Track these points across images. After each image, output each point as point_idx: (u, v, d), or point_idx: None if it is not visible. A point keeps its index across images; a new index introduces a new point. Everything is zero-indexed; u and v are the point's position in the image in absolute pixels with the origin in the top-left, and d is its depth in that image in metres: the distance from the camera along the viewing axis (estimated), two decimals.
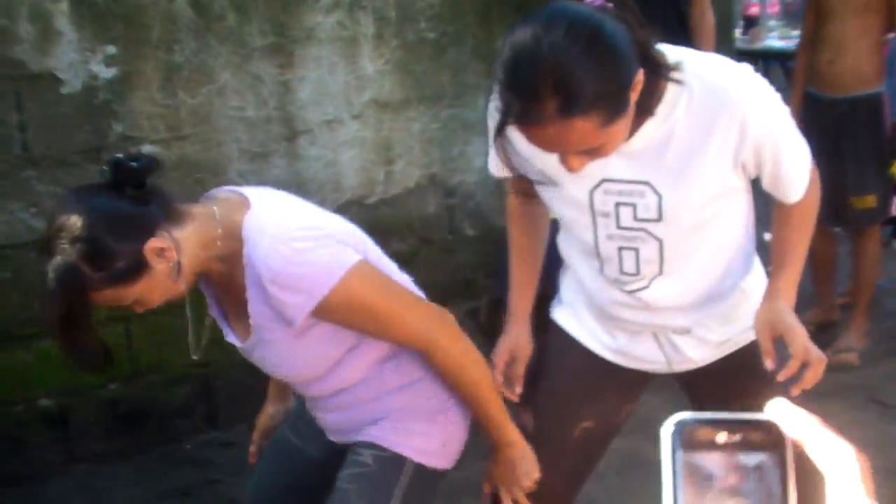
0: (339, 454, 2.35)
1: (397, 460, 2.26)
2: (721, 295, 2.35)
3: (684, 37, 4.67)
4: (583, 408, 2.55)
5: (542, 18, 1.86)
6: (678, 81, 2.06)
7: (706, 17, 4.84)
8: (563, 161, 2.00)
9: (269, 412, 2.73)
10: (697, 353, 2.41)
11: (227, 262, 2.13)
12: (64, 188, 3.97)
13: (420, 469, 2.28)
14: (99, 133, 4.11)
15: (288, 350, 2.18)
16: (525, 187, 2.42)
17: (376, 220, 4.63)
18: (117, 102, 4.11)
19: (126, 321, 4.29)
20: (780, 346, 2.16)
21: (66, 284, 1.96)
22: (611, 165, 2.14)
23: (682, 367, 2.46)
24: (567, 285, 2.56)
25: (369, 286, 2.11)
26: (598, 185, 2.20)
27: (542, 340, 2.60)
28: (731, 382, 2.37)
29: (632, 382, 2.55)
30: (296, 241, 2.05)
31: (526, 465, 2.34)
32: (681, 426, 0.78)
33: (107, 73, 4.07)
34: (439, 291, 2.91)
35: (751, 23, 11.09)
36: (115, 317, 4.24)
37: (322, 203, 4.05)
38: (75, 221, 1.94)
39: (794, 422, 0.76)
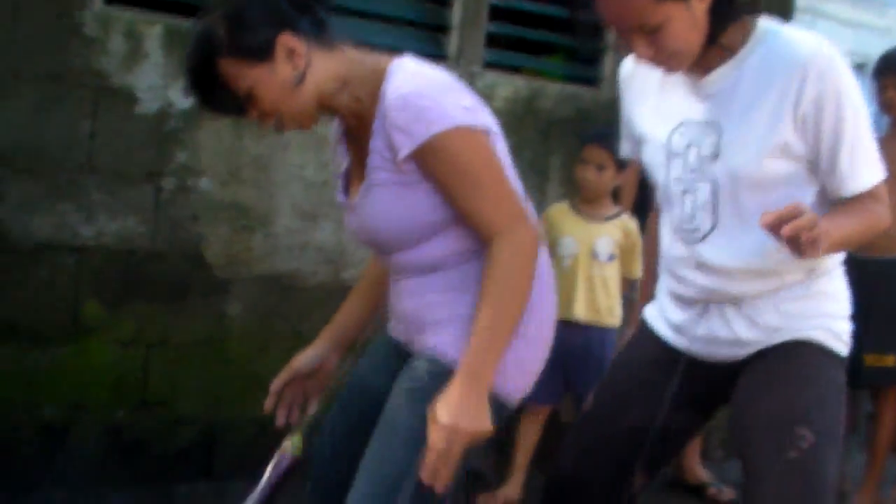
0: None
1: (453, 375, 2.16)
2: (777, 274, 2.36)
3: None
4: (636, 399, 2.63)
5: None
6: (753, 26, 2.30)
7: None
8: (632, 46, 2.24)
9: (308, 353, 2.74)
10: (748, 332, 2.43)
11: (364, 101, 2.26)
12: (118, 203, 4.01)
13: None
14: (162, 158, 4.16)
15: (389, 202, 2.23)
16: None
17: None
18: (185, 132, 4.16)
19: (147, 348, 4.25)
20: None
21: (201, 40, 2.19)
22: (689, 108, 2.37)
23: (724, 352, 2.49)
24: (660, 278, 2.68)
25: (477, 151, 2.17)
26: (676, 127, 2.41)
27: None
28: (768, 384, 2.37)
29: (682, 387, 2.58)
30: (436, 83, 2.20)
31: (483, 409, 2.11)
32: None
33: (183, 102, 4.13)
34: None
35: None
36: (137, 340, 4.22)
37: (360, 278, 4.08)
38: None
39: None
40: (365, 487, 2.18)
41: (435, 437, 2.08)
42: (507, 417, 2.33)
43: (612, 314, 4.48)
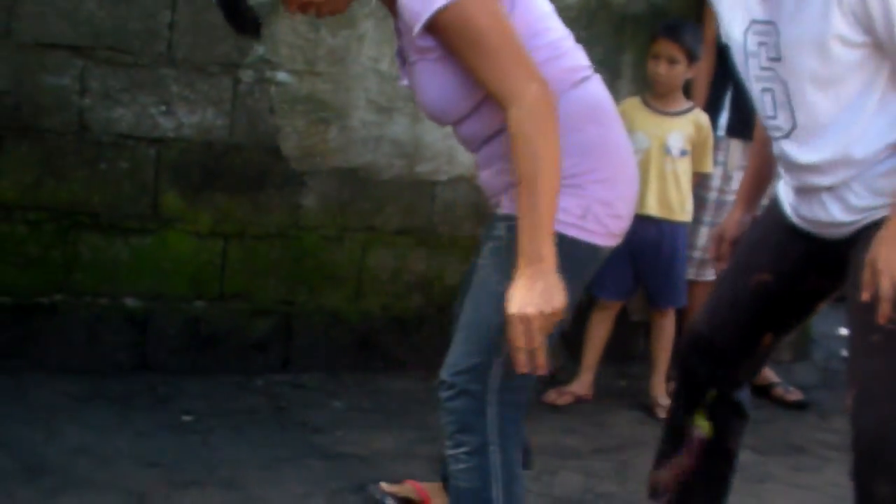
0: None
1: None
2: (863, 161, 2.37)
3: None
4: (764, 259, 2.68)
5: None
6: None
7: None
8: None
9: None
10: (844, 215, 2.45)
11: None
12: (197, 95, 4.05)
13: (563, 240, 2.18)
14: (240, 51, 4.21)
15: (426, 79, 2.29)
16: None
17: (483, 202, 4.63)
18: (264, 25, 4.15)
19: (225, 240, 4.31)
20: None
21: None
22: (754, 7, 2.40)
23: (830, 231, 2.51)
24: None
25: (481, 20, 2.14)
26: (749, 27, 2.44)
27: None
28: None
29: (810, 254, 2.61)
30: None
31: (551, 288, 2.09)
32: None
33: None
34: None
35: None
36: (215, 232, 4.29)
37: (435, 172, 4.10)
38: None
39: None
40: (463, 347, 2.26)
41: (513, 333, 2.09)
42: (604, 259, 2.36)
43: (683, 210, 4.49)
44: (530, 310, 2.06)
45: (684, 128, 4.45)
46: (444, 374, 2.26)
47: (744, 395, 2.86)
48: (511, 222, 2.21)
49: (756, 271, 2.67)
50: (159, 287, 4.29)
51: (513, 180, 2.21)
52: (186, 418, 3.87)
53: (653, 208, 4.42)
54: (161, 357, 4.33)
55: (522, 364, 2.11)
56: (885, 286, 2.14)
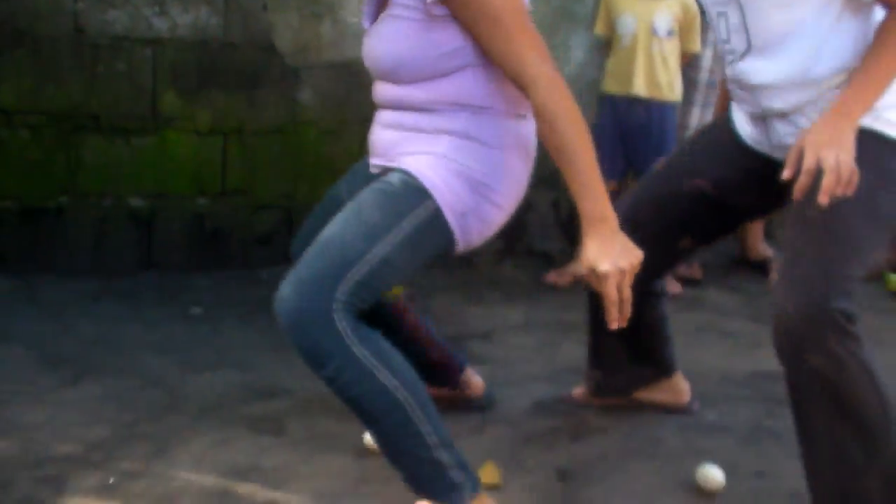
0: None
1: (422, 193, 2.26)
2: (819, 82, 2.37)
3: None
4: (707, 166, 2.69)
5: None
6: None
7: None
8: None
9: None
10: (793, 139, 2.44)
11: None
12: None
13: (438, 216, 2.27)
14: None
15: (401, 34, 2.28)
16: None
17: None
18: None
19: (224, 137, 4.38)
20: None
21: None
22: None
23: (777, 154, 2.52)
24: None
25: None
26: None
27: None
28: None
29: (753, 171, 2.62)
30: None
31: (623, 240, 2.17)
32: None
33: None
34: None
35: None
36: (214, 130, 4.35)
37: None
38: None
39: None
40: (315, 260, 2.21)
41: (605, 287, 2.13)
42: (440, 255, 2.40)
43: (672, 90, 4.54)
44: (623, 263, 2.12)
45: (671, 8, 4.49)
46: (287, 287, 2.20)
47: (656, 283, 2.93)
48: (410, 180, 2.27)
49: (696, 176, 2.70)
50: (162, 186, 4.37)
51: (421, 150, 2.30)
52: (195, 310, 3.97)
53: (641, 89, 4.49)
54: (167, 255, 4.43)
55: (614, 317, 2.15)
56: (808, 161, 2.12)
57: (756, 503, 2.62)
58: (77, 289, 4.11)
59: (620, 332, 2.37)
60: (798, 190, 2.13)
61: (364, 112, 4.49)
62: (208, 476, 2.59)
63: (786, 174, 2.17)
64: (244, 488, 2.54)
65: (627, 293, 2.14)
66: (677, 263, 2.96)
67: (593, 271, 2.14)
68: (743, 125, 2.64)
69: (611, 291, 2.13)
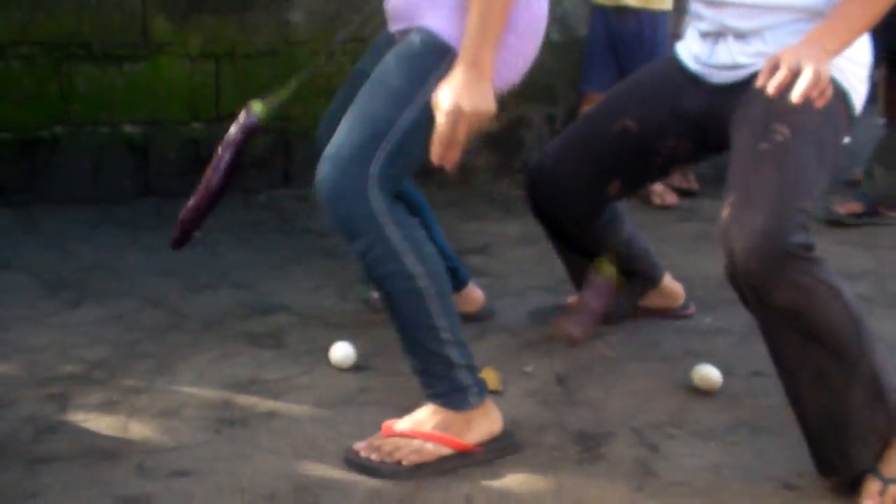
0: None
1: (444, 49, 2.23)
2: (786, 9, 2.37)
3: None
4: (634, 106, 2.69)
5: None
6: None
7: None
8: None
9: None
10: (746, 58, 2.44)
11: None
12: None
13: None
14: None
15: None
16: None
17: None
18: None
19: (216, 61, 4.37)
20: None
21: None
22: None
23: (723, 75, 2.50)
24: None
25: None
26: None
27: None
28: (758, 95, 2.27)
29: (683, 116, 2.61)
30: None
31: (485, 92, 2.18)
32: None
33: None
34: (517, 94, 2.94)
35: None
36: (206, 54, 4.34)
37: None
38: None
39: None
40: (348, 135, 2.23)
41: (441, 122, 2.16)
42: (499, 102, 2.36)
43: None
44: (465, 106, 2.14)
45: None
46: (325, 165, 2.22)
47: (605, 214, 2.93)
48: (429, 38, 2.25)
49: (624, 116, 2.69)
50: (156, 112, 4.36)
51: (436, 3, 2.26)
52: (195, 234, 3.97)
53: None
54: (164, 181, 4.43)
55: (439, 155, 2.19)
56: (789, 62, 2.05)
57: (752, 399, 2.67)
58: (77, 218, 4.12)
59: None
60: (775, 86, 2.06)
61: (356, 31, 4.50)
62: (210, 389, 2.63)
63: (759, 82, 2.12)
64: (246, 400, 2.57)
65: (463, 136, 2.17)
66: (604, 209, 2.90)
67: (437, 106, 2.17)
68: (688, 46, 2.62)
69: (444, 129, 2.16)
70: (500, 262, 3.82)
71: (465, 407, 2.30)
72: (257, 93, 4.37)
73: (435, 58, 2.23)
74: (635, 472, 2.29)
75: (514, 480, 2.23)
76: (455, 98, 2.15)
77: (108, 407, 2.51)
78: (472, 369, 2.31)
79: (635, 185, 2.87)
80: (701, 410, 2.61)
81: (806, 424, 2.21)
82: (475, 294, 3.17)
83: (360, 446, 2.29)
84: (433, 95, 2.19)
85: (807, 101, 2.06)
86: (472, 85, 2.16)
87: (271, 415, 2.50)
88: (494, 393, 2.61)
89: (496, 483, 2.22)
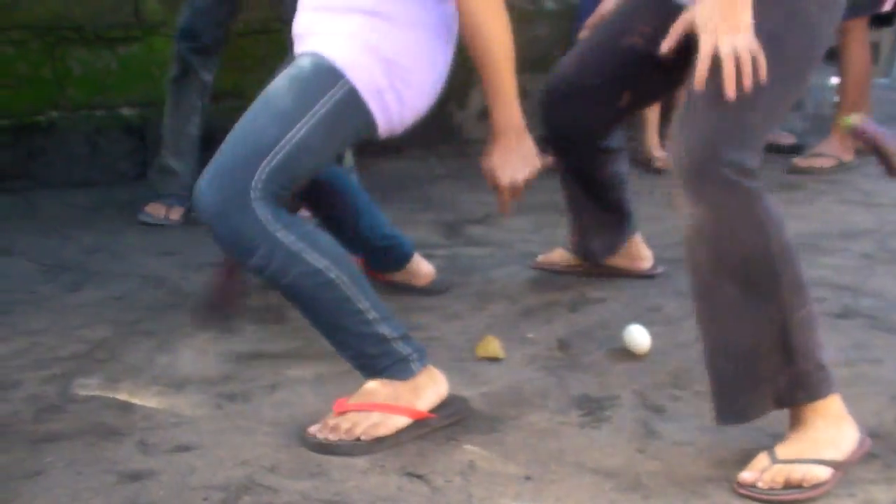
0: None
1: (334, 73, 2.20)
2: None
3: None
4: (636, 21, 2.75)
5: None
6: None
7: None
8: None
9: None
10: None
11: None
12: None
13: (354, 95, 2.21)
14: None
15: None
16: None
17: None
18: None
19: None
20: None
21: None
22: None
23: None
24: None
25: None
26: None
27: None
28: None
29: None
30: None
31: (525, 150, 2.38)
32: None
33: None
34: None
35: None
36: None
37: None
38: None
39: None
40: (229, 151, 2.17)
41: (501, 196, 2.41)
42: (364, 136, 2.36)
43: None
44: (519, 177, 2.38)
45: None
46: (204, 182, 2.14)
47: (608, 141, 3.04)
48: (318, 60, 2.20)
49: (629, 33, 2.75)
50: (152, 93, 4.35)
51: (328, 31, 2.24)
52: (194, 214, 3.97)
53: None
54: None
55: (503, 207, 2.45)
56: (704, 47, 1.98)
57: None
58: (75, 202, 4.13)
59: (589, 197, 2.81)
60: (698, 82, 2.01)
61: None
62: (211, 365, 2.63)
63: (664, 47, 2.11)
64: (248, 373, 2.57)
65: (522, 191, 2.40)
66: (619, 121, 3.02)
67: (492, 178, 2.38)
68: None
69: (503, 197, 2.41)
70: (500, 232, 3.82)
71: (410, 375, 2.27)
72: (251, 71, 4.42)
73: (326, 81, 2.19)
74: (638, 434, 2.29)
75: (516, 445, 2.23)
76: (506, 171, 2.37)
77: (109, 385, 2.50)
78: (407, 338, 2.28)
79: (645, 97, 3.05)
80: (703, 371, 2.59)
81: (706, 348, 2.14)
82: (423, 268, 3.16)
83: (314, 429, 2.24)
84: (321, 117, 2.17)
85: (778, 33, 2.03)
86: (514, 151, 2.36)
87: (273, 388, 2.49)
88: (496, 360, 2.61)
89: (499, 448, 2.22)
